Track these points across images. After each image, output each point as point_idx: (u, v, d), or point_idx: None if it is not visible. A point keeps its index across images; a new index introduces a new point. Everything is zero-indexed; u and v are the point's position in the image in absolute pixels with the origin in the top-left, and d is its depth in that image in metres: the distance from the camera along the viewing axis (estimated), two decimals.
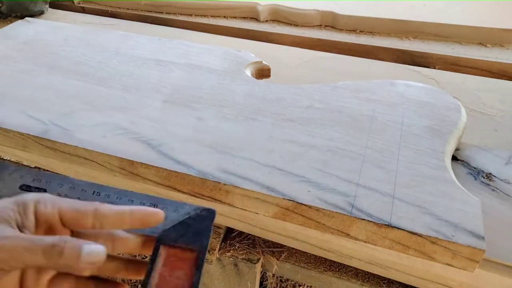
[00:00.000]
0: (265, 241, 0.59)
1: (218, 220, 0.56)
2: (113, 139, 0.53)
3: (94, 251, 0.26)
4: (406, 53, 0.94)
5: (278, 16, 1.12)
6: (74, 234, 0.30)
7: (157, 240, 0.30)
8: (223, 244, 0.59)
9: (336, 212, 0.42)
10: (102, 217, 0.28)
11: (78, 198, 0.33)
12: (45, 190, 0.33)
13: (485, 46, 0.96)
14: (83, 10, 1.23)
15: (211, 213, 0.32)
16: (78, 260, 0.25)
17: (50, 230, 0.28)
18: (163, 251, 0.30)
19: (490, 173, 0.51)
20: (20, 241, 0.25)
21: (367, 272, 0.55)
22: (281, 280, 0.66)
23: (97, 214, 0.28)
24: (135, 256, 0.29)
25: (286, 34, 1.04)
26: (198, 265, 0.29)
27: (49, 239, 0.26)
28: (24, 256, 0.25)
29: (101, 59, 0.72)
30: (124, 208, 0.29)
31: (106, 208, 0.29)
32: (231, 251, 0.58)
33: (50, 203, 0.28)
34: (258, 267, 0.58)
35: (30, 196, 0.28)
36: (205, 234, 0.31)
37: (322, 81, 0.72)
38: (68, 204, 0.28)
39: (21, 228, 0.27)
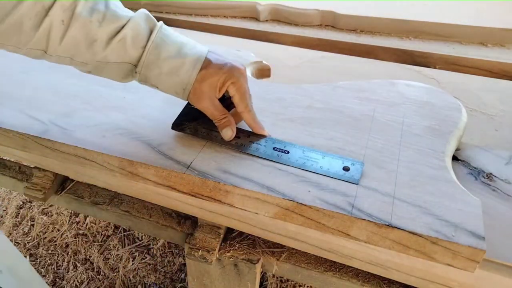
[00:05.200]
0: (265, 242, 0.59)
1: (218, 220, 0.56)
2: (112, 139, 0.53)
3: (226, 132, 0.50)
4: (406, 53, 0.94)
5: (278, 16, 1.12)
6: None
7: None
8: (223, 244, 0.59)
9: (337, 212, 0.42)
10: (244, 115, 0.51)
11: None
12: None
13: (486, 45, 0.96)
14: None
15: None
16: (221, 130, 0.50)
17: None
18: None
19: (491, 173, 0.51)
20: (210, 106, 0.50)
21: (368, 272, 0.55)
22: (281, 281, 0.66)
23: (243, 113, 0.51)
24: None
25: (286, 33, 1.04)
26: None
27: (220, 113, 0.50)
28: (207, 112, 0.50)
29: None
30: (254, 120, 0.52)
31: (250, 113, 0.51)
32: (231, 251, 0.58)
33: (234, 89, 0.49)
34: (258, 268, 0.58)
35: (231, 77, 0.49)
36: None
37: (322, 81, 0.72)
38: (239, 95, 0.49)
39: (217, 91, 0.50)
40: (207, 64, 0.48)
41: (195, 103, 0.50)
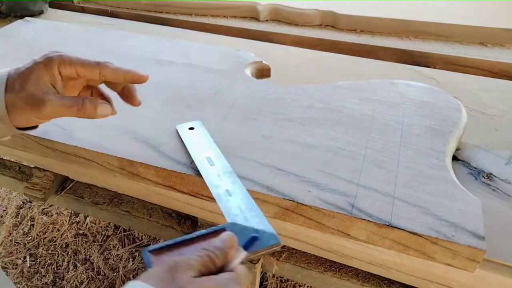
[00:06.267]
0: None
1: (218, 220, 0.56)
2: (112, 139, 0.53)
3: (104, 108, 0.42)
4: (406, 53, 0.94)
5: (278, 16, 1.12)
6: (93, 95, 0.46)
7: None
8: None
9: (337, 212, 0.42)
10: (104, 71, 0.41)
11: None
12: None
13: (486, 45, 0.96)
14: (83, 10, 1.23)
15: (275, 239, 0.36)
16: (95, 112, 0.41)
17: (75, 87, 0.44)
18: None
19: (491, 173, 0.51)
20: (58, 102, 0.39)
21: (368, 272, 0.55)
22: (281, 281, 0.66)
23: (101, 69, 0.41)
24: None
25: (286, 34, 1.04)
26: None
27: (75, 99, 0.40)
28: (61, 110, 0.40)
29: (101, 58, 0.72)
30: (120, 68, 0.42)
31: (107, 65, 0.42)
32: None
33: (68, 64, 0.40)
34: (258, 268, 0.58)
35: (55, 60, 0.40)
36: (259, 245, 0.35)
37: (322, 81, 0.72)
38: (81, 62, 0.41)
39: (54, 86, 0.40)
40: (16, 72, 0.40)
41: (39, 111, 0.39)
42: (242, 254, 0.33)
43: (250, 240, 0.34)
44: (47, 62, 0.40)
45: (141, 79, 0.44)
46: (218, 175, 0.45)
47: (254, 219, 0.39)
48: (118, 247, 1.23)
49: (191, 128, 0.53)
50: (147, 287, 0.28)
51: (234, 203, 0.41)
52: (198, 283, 0.29)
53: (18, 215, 1.37)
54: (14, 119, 0.39)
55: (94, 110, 0.41)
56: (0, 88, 0.39)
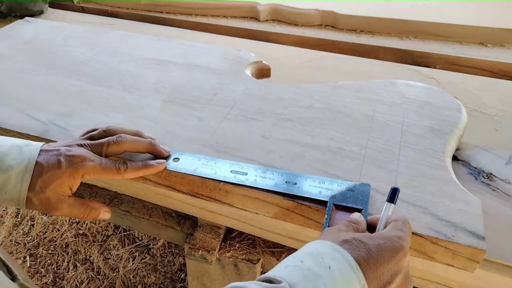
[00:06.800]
0: (265, 241, 0.59)
1: (218, 220, 0.56)
2: None
3: (105, 215, 0.47)
4: (406, 53, 0.94)
5: (278, 16, 1.12)
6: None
7: (330, 200, 0.41)
8: (223, 244, 0.59)
9: None
10: (125, 176, 0.45)
11: None
12: None
13: (486, 45, 0.96)
14: (83, 10, 1.23)
15: (367, 185, 0.43)
16: (96, 218, 0.46)
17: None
18: (334, 209, 0.41)
19: (491, 173, 0.51)
20: (68, 210, 0.43)
21: None
22: None
23: (122, 175, 0.45)
24: None
25: (286, 34, 1.04)
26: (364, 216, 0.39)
27: (83, 209, 0.44)
28: (68, 215, 0.43)
29: (101, 59, 0.72)
30: (140, 167, 0.46)
31: (128, 169, 0.45)
32: (231, 251, 0.58)
33: (92, 173, 0.43)
34: (258, 268, 0.58)
35: (79, 170, 0.42)
36: (365, 198, 0.41)
37: (322, 81, 0.72)
38: (103, 170, 0.43)
39: (71, 188, 0.43)
40: (40, 169, 0.41)
41: (49, 213, 0.44)
42: (390, 208, 0.37)
43: (391, 194, 0.38)
44: (72, 172, 0.42)
45: (159, 169, 0.47)
46: (262, 178, 0.45)
47: (334, 185, 0.43)
48: (118, 247, 1.23)
49: (176, 159, 0.49)
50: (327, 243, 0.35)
51: (307, 185, 0.44)
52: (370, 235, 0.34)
53: (18, 215, 1.37)
54: (28, 207, 0.42)
55: (96, 217, 0.46)
56: (25, 183, 0.41)
